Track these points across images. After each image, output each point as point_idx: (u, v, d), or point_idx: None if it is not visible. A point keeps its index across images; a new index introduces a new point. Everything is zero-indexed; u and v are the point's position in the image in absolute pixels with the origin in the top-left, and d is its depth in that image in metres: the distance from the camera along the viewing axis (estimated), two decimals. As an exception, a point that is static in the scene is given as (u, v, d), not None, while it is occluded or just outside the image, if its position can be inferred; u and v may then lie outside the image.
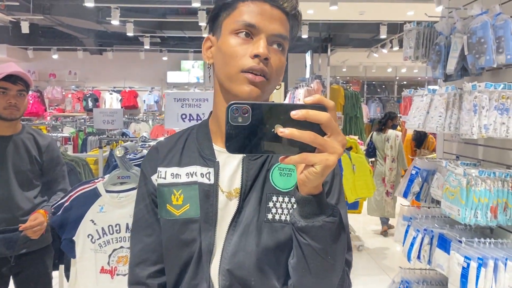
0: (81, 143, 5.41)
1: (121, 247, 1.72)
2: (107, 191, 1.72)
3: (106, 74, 11.50)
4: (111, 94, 11.21)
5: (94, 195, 1.70)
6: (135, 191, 1.73)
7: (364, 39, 9.99)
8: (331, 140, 0.65)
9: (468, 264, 1.89)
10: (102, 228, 1.68)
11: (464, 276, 1.91)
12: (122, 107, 10.91)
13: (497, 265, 1.86)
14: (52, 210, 1.75)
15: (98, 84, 11.46)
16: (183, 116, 2.09)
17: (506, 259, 1.86)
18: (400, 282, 2.56)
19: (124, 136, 4.05)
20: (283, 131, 0.63)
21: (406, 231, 2.48)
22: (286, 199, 0.92)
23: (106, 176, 1.72)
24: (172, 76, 11.49)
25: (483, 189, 1.92)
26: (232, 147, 0.64)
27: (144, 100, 11.35)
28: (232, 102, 0.63)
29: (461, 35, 2.15)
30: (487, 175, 1.92)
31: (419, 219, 2.40)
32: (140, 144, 1.93)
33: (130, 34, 7.82)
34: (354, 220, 5.71)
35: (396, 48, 8.56)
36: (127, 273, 1.03)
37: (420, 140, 6.32)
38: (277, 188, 0.92)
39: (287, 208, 0.92)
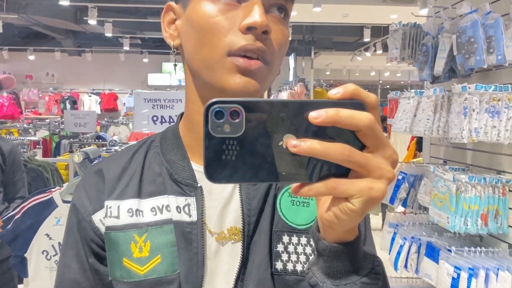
0: (54, 147, 5.21)
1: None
2: (65, 201, 1.55)
3: (85, 76, 11.28)
4: (90, 96, 10.99)
5: (49, 206, 1.53)
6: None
7: (347, 42, 10.01)
8: (376, 157, 0.41)
9: (459, 274, 1.83)
10: (59, 243, 1.51)
11: (454, 286, 1.84)
12: (101, 110, 10.73)
13: (488, 275, 1.80)
14: (1, 223, 1.59)
15: (76, 86, 11.23)
16: (154, 118, 1.91)
17: (498, 269, 1.81)
18: (386, 292, 2.47)
19: (99, 140, 3.87)
20: (297, 145, 0.38)
21: (393, 239, 2.40)
22: (304, 240, 0.64)
23: (64, 185, 1.56)
24: (153, 79, 11.33)
25: (473, 196, 1.86)
26: (215, 173, 0.40)
27: (124, 103, 11.17)
28: (214, 100, 0.39)
29: (450, 35, 2.07)
30: (477, 181, 1.85)
31: (406, 227, 2.32)
32: (105, 148, 1.77)
33: (109, 34, 7.65)
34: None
35: (379, 52, 8.56)
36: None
37: (421, 143, 6.31)
38: (289, 223, 0.64)
39: (305, 253, 0.63)
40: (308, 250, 0.63)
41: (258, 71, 0.58)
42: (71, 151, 3.01)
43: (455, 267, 1.85)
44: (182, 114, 0.71)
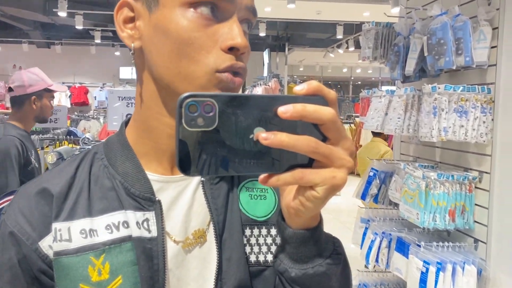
0: (23, 143, 5.05)
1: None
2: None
3: (54, 69, 10.94)
4: (59, 89, 10.70)
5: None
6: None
7: (320, 39, 10.09)
8: (337, 149, 0.44)
9: (427, 269, 1.88)
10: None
11: (423, 280, 1.90)
12: (71, 104, 10.48)
13: (455, 269, 1.86)
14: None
15: (45, 79, 10.90)
16: (129, 116, 1.88)
17: (464, 263, 1.86)
18: (358, 285, 2.53)
19: (70, 135, 3.78)
20: (267, 138, 0.40)
21: (364, 234, 2.45)
22: (264, 231, 0.65)
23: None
24: (125, 72, 11.13)
25: (442, 192, 1.91)
26: (188, 166, 0.41)
27: (95, 97, 10.93)
28: (187, 94, 0.40)
29: (421, 36, 2.11)
30: (446, 178, 1.90)
31: (377, 222, 2.37)
32: (79, 147, 1.73)
33: (79, 27, 7.45)
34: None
35: (351, 49, 8.67)
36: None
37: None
38: (250, 216, 0.65)
39: (266, 244, 0.65)
40: (269, 240, 0.65)
41: (239, 87, 0.60)
42: (41, 148, 2.93)
43: (424, 261, 1.89)
44: (126, 122, 0.68)
